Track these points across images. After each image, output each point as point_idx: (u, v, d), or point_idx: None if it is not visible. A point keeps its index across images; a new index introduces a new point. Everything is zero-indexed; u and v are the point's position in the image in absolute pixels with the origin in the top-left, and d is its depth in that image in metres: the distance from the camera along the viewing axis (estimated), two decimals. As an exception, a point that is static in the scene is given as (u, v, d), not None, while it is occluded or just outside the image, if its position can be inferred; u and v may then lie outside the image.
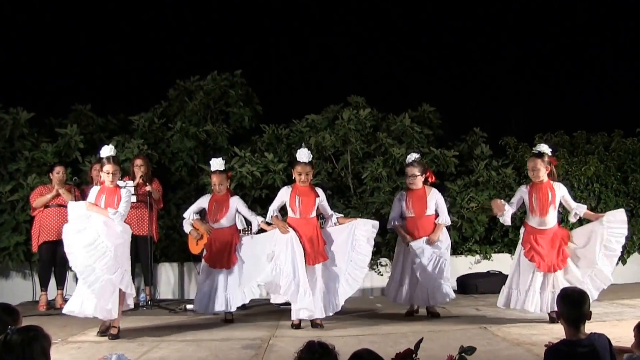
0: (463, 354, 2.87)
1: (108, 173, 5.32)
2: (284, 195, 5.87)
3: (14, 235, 7.71)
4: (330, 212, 5.98)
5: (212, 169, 6.13)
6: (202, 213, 6.34)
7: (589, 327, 3.03)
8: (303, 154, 5.78)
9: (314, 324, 5.68)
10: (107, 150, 5.39)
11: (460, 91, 12.00)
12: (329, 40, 12.12)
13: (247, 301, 6.15)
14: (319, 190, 5.96)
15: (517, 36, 12.54)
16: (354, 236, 5.80)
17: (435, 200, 6.21)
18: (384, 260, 8.27)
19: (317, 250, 5.72)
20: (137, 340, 5.21)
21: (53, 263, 7.24)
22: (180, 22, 12.13)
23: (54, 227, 7.03)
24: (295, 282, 5.59)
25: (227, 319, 6.20)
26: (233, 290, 6.07)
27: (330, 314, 5.76)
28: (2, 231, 7.73)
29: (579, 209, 5.68)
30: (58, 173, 7.20)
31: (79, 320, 5.81)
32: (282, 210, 6.03)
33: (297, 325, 5.69)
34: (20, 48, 11.00)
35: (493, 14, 12.34)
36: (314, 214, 5.83)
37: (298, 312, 5.63)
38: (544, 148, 5.65)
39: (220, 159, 6.20)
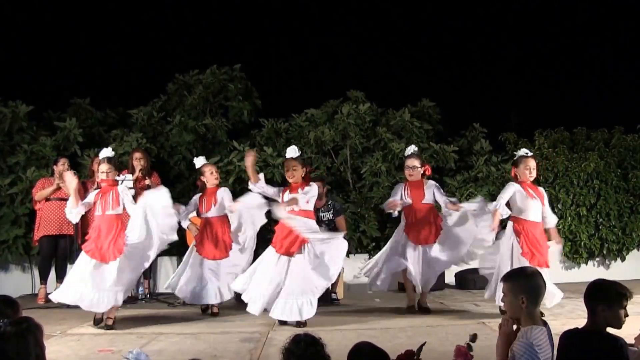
0: (470, 343, 3.02)
1: (102, 172, 5.69)
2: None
3: (13, 229, 7.70)
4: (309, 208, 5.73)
5: (199, 164, 6.36)
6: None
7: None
8: (289, 151, 5.80)
9: (298, 323, 5.44)
10: (105, 152, 5.76)
11: (460, 90, 12.00)
12: (329, 40, 12.09)
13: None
14: (311, 185, 5.78)
15: (517, 36, 12.52)
16: None
17: (432, 190, 6.26)
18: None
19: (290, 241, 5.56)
20: (136, 333, 5.22)
21: (53, 256, 7.24)
22: (180, 22, 12.11)
23: (55, 221, 7.06)
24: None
25: (214, 312, 6.19)
26: (224, 281, 6.10)
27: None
28: (1, 224, 7.71)
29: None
30: (63, 165, 7.23)
31: (77, 313, 5.82)
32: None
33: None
34: (20, 48, 10.99)
35: (493, 14, 12.31)
36: (306, 207, 5.65)
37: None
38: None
39: (202, 157, 6.52)
